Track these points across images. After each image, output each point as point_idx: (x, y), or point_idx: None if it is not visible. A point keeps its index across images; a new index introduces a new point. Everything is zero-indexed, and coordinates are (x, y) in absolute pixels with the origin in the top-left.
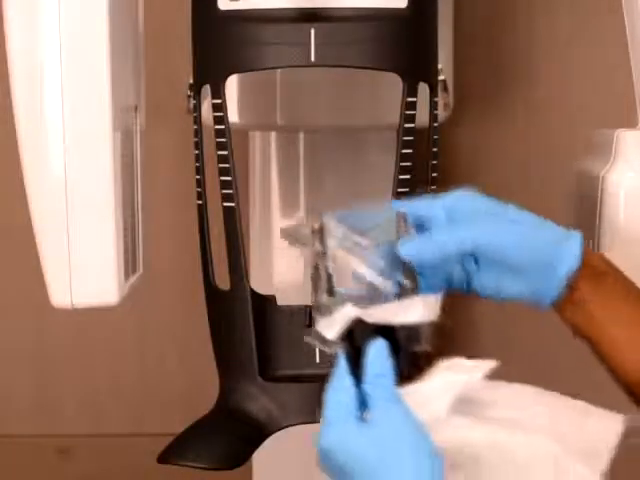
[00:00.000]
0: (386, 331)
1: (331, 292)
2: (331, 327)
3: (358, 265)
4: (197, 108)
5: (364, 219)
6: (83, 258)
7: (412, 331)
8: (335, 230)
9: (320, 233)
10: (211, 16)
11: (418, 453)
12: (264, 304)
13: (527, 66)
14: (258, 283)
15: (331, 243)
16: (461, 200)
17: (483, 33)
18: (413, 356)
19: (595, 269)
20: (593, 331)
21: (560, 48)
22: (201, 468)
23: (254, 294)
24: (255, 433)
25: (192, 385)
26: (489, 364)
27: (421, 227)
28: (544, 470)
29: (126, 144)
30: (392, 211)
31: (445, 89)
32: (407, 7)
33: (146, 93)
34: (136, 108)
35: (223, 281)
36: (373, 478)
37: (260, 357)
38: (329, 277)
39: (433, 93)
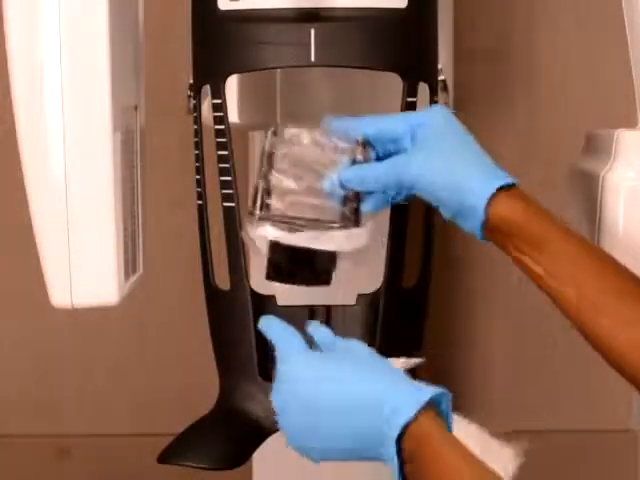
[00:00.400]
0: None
1: (262, 207)
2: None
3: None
4: (197, 108)
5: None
6: (83, 258)
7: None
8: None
9: (274, 138)
10: (211, 16)
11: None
12: (264, 304)
13: (527, 66)
14: (258, 283)
15: (281, 165)
16: (429, 121)
17: (483, 33)
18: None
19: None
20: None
21: (560, 48)
22: (201, 468)
23: (254, 294)
24: (255, 433)
25: (192, 385)
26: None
27: (386, 145)
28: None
29: (126, 144)
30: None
31: (445, 89)
32: (407, 7)
33: (146, 93)
34: (136, 108)
35: (223, 281)
36: (339, 389)
37: (260, 357)
38: (267, 191)
39: (433, 93)
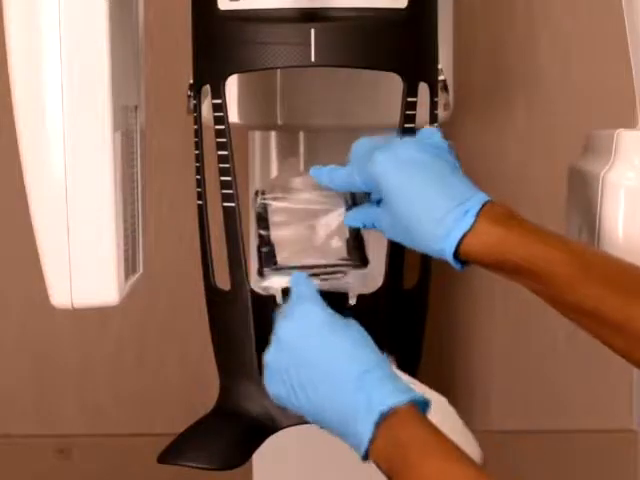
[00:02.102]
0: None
1: (269, 264)
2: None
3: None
4: (197, 108)
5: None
6: (83, 258)
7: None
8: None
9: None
10: (211, 16)
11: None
12: (264, 304)
13: (527, 66)
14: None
15: (277, 218)
16: (380, 170)
17: (483, 33)
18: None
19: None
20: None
21: (560, 48)
22: (201, 468)
23: (254, 294)
24: (255, 433)
25: (192, 385)
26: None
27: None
28: None
29: (126, 144)
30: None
31: (445, 89)
32: (407, 7)
33: (146, 93)
34: (136, 108)
35: (223, 281)
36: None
37: (260, 357)
38: (271, 249)
39: (433, 93)
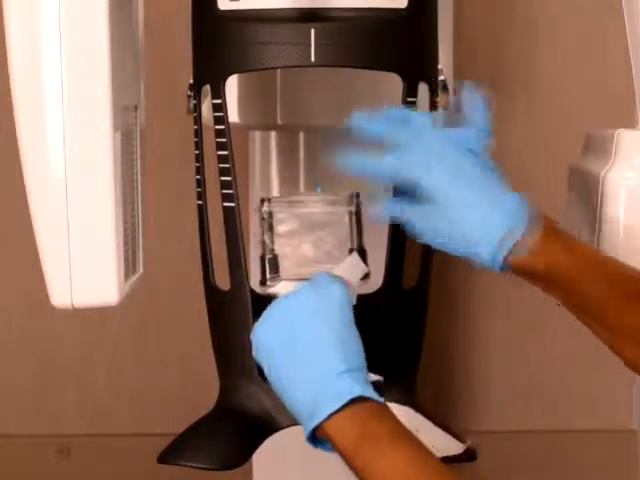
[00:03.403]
0: None
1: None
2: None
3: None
4: (197, 108)
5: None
6: (83, 258)
7: None
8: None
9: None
10: (211, 16)
11: None
12: (264, 304)
13: (527, 66)
14: (258, 283)
15: (282, 229)
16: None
17: (483, 33)
18: None
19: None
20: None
21: (560, 49)
22: (201, 468)
23: (254, 294)
24: (255, 433)
25: (192, 385)
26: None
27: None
28: None
29: (126, 144)
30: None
31: (445, 89)
32: (407, 7)
33: (146, 93)
34: (136, 108)
35: (223, 281)
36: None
37: None
38: (274, 258)
39: (433, 93)
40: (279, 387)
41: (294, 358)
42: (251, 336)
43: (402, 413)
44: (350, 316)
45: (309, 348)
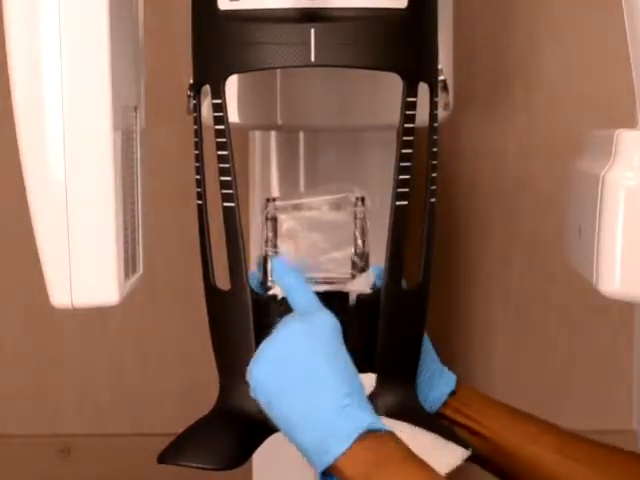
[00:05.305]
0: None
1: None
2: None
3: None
4: (197, 108)
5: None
6: (83, 258)
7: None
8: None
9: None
10: (211, 16)
11: None
12: (264, 304)
13: (527, 66)
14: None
15: (285, 231)
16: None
17: (483, 33)
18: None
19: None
20: None
21: (560, 48)
22: (201, 468)
23: (254, 294)
24: (255, 433)
25: (192, 385)
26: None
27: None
28: None
29: (126, 144)
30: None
31: (445, 89)
32: (407, 7)
33: (146, 93)
34: (136, 108)
35: (223, 281)
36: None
37: None
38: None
39: (433, 93)
40: (282, 425)
41: (296, 397)
42: (247, 377)
43: (400, 428)
44: (341, 340)
45: (310, 384)
